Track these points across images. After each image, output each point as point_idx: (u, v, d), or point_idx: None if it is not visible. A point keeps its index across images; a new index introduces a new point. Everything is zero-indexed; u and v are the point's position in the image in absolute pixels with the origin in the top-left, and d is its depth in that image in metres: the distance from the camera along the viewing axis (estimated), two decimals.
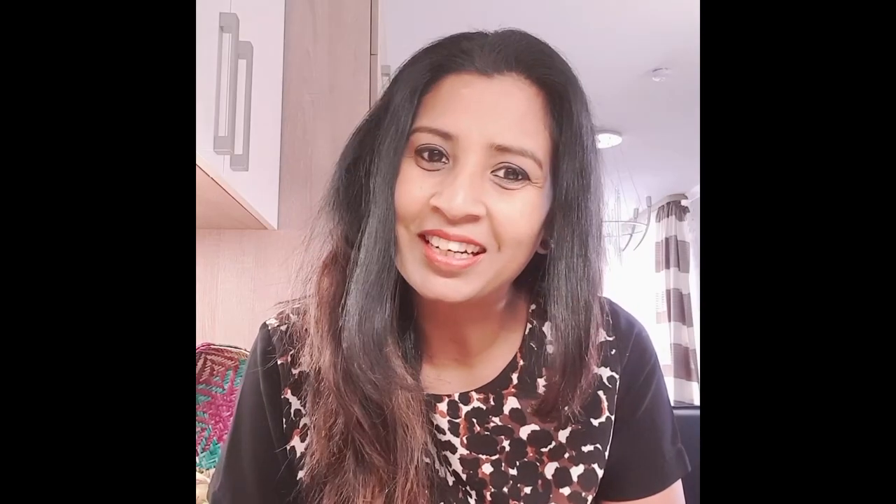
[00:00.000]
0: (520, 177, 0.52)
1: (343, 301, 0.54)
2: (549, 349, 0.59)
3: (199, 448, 1.15)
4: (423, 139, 0.53)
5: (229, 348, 1.22)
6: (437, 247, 0.51)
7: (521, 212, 0.52)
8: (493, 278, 0.53)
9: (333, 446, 0.55)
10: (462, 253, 0.52)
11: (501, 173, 0.52)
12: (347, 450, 0.55)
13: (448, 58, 0.55)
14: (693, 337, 4.48)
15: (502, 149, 0.52)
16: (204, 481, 1.05)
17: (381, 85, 1.38)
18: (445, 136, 0.52)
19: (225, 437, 1.15)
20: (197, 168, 0.85)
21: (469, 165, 0.51)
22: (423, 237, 0.52)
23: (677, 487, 0.64)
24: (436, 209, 0.51)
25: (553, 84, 0.55)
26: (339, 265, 0.57)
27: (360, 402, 0.54)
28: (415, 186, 0.52)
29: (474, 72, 0.54)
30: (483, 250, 0.52)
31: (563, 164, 0.54)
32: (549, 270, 0.55)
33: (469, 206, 0.50)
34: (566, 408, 0.57)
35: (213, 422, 1.17)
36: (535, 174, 0.53)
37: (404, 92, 0.54)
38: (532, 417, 0.60)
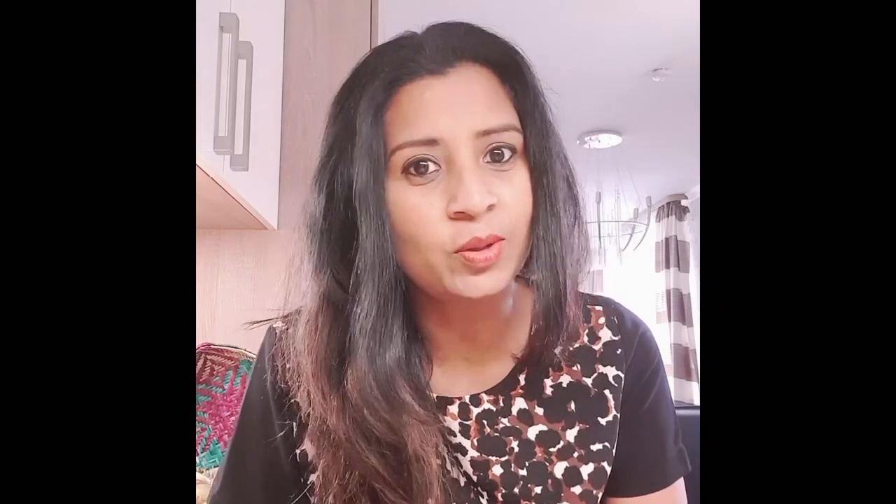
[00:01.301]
0: (506, 155, 0.53)
1: (347, 345, 0.53)
2: (557, 349, 0.60)
3: (199, 448, 1.15)
4: (407, 155, 0.52)
5: (229, 348, 1.21)
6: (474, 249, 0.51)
7: (522, 190, 0.54)
8: (518, 260, 0.54)
9: (350, 494, 0.55)
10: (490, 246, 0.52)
11: (489, 158, 0.53)
12: (363, 496, 0.55)
13: (395, 70, 0.54)
14: (693, 337, 4.48)
15: (487, 132, 0.52)
16: (204, 481, 1.05)
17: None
18: (431, 142, 0.52)
19: (225, 437, 1.15)
20: (197, 168, 0.85)
21: (466, 161, 0.51)
22: (459, 251, 0.51)
23: (679, 486, 0.64)
24: (457, 215, 0.51)
25: (500, 60, 0.56)
26: (331, 313, 0.56)
27: (375, 450, 0.53)
28: (425, 208, 0.52)
29: (426, 75, 0.54)
30: (502, 238, 0.53)
31: (529, 128, 0.55)
32: (529, 236, 0.55)
33: (486, 198, 0.51)
34: (546, 358, 0.58)
35: (213, 422, 1.17)
36: (519, 144, 0.54)
37: (368, 117, 0.53)
38: (539, 418, 0.60)
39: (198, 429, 1.16)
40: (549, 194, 0.54)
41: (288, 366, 0.59)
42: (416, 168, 0.52)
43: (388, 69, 0.54)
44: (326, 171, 0.56)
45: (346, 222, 0.54)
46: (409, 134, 0.52)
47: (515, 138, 0.54)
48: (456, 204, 0.50)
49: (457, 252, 0.51)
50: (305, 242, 0.57)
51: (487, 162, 0.53)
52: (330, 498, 0.55)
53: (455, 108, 0.53)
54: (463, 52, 0.55)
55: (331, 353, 0.55)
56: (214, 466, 1.14)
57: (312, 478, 0.59)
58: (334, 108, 0.57)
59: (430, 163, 0.52)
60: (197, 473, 1.09)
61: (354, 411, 0.53)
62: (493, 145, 0.53)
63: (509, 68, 0.56)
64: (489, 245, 0.51)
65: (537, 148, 0.54)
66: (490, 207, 0.51)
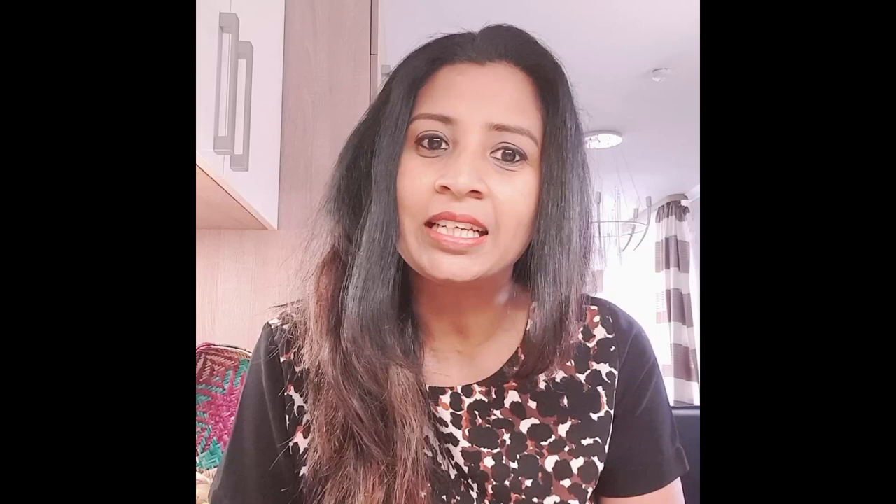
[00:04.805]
0: (517, 158, 0.55)
1: (343, 289, 0.55)
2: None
3: (199, 448, 1.15)
4: (422, 126, 0.55)
5: (229, 348, 1.22)
6: (444, 226, 0.53)
7: (521, 192, 0.54)
8: (497, 260, 0.55)
9: (335, 440, 0.57)
10: (468, 231, 0.53)
11: (500, 154, 0.54)
12: (347, 443, 0.56)
13: (441, 50, 0.58)
14: (693, 337, 4.48)
15: (501, 127, 0.54)
16: (204, 481, 1.05)
17: (381, 85, 1.38)
18: (445, 119, 0.54)
19: (225, 437, 1.15)
20: (197, 168, 0.85)
21: (470, 145, 0.53)
22: (429, 224, 0.54)
23: (676, 486, 0.64)
24: (443, 188, 0.52)
25: (540, 70, 0.58)
26: (338, 263, 0.58)
27: (358, 395, 0.55)
28: (418, 175, 0.54)
29: (467, 61, 0.57)
30: (486, 232, 0.54)
31: (550, 143, 0.56)
32: (535, 244, 0.56)
33: (474, 182, 0.52)
34: (543, 370, 0.59)
35: (213, 422, 1.17)
36: (532, 153, 0.55)
37: (402, 86, 0.56)
38: (532, 411, 0.61)
39: (198, 429, 1.16)
40: (563, 210, 0.55)
41: (303, 352, 0.60)
42: (429, 142, 0.55)
43: (435, 48, 0.58)
44: (360, 130, 0.59)
45: (364, 181, 0.57)
46: (430, 107, 0.55)
47: (528, 145, 0.55)
48: (444, 179, 0.52)
49: (427, 223, 0.53)
50: (327, 192, 0.60)
51: (496, 158, 0.54)
52: (319, 448, 0.57)
53: (478, 95, 0.55)
54: (507, 52, 0.57)
55: (333, 300, 0.57)
56: (214, 466, 1.14)
57: (304, 470, 0.59)
58: (388, 79, 0.60)
59: (441, 140, 0.55)
60: (197, 473, 1.09)
61: (345, 357, 0.55)
62: (504, 144, 0.54)
63: (547, 81, 0.57)
64: (467, 229, 0.53)
65: (558, 164, 0.55)
66: (477, 194, 0.52)
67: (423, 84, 0.57)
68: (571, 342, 0.62)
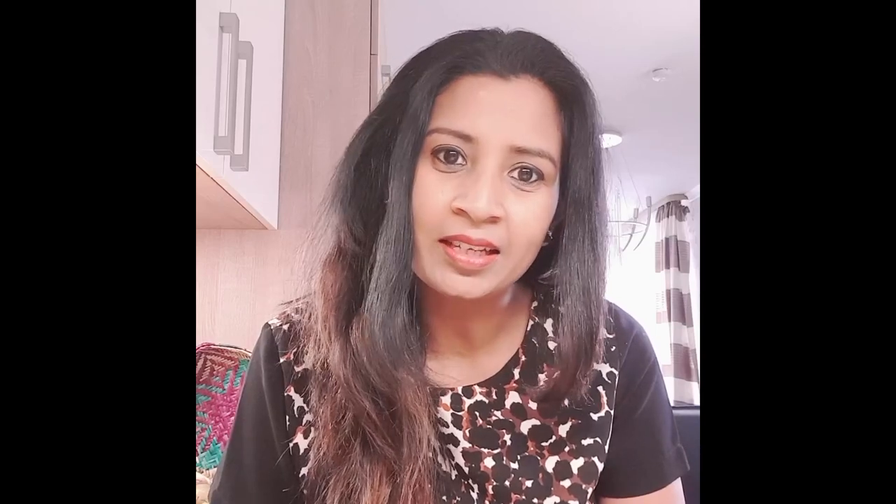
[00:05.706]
0: (534, 177, 0.54)
1: (362, 299, 0.55)
2: (551, 345, 0.60)
3: (199, 448, 1.15)
4: (441, 140, 0.54)
5: (229, 348, 1.22)
6: (459, 246, 0.53)
7: (535, 214, 0.54)
8: (506, 277, 0.55)
9: (341, 438, 0.56)
10: (480, 251, 0.53)
11: (517, 174, 0.54)
12: (355, 440, 0.56)
13: (463, 58, 0.55)
14: (693, 337, 4.48)
15: (521, 150, 0.53)
16: (204, 481, 1.05)
17: (382, 85, 1.38)
18: (466, 138, 0.53)
19: (225, 437, 1.15)
20: (197, 168, 0.85)
21: (489, 167, 0.53)
22: (444, 241, 0.53)
23: (676, 486, 0.64)
24: (459, 211, 0.52)
25: (565, 86, 0.56)
26: (344, 262, 0.58)
27: (370, 396, 0.55)
28: (435, 193, 0.53)
29: (490, 73, 0.55)
30: (497, 251, 0.53)
31: (575, 163, 0.55)
32: (560, 265, 0.56)
33: (493, 208, 0.51)
34: (572, 396, 0.59)
35: (213, 422, 1.17)
36: (549, 173, 0.55)
37: (422, 93, 0.54)
38: (532, 412, 0.61)
39: (198, 429, 1.16)
40: (590, 230, 0.55)
41: (305, 351, 0.60)
42: (445, 155, 0.54)
43: (458, 55, 0.56)
44: (371, 127, 0.57)
45: (374, 181, 0.56)
46: (450, 122, 0.54)
47: (546, 166, 0.54)
48: (463, 201, 0.52)
49: (441, 241, 0.53)
50: (332, 189, 0.58)
51: (513, 177, 0.54)
52: (324, 446, 0.56)
53: (501, 115, 0.53)
54: (532, 66, 0.56)
55: (341, 300, 0.57)
56: (214, 466, 1.14)
57: (304, 471, 0.59)
58: (401, 70, 0.58)
59: (459, 155, 0.54)
60: (197, 473, 1.09)
61: (355, 358, 0.55)
62: (522, 164, 0.54)
63: (571, 97, 0.56)
64: (481, 251, 0.53)
65: (583, 182, 0.55)
66: (495, 220, 0.52)
67: (442, 91, 0.55)
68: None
